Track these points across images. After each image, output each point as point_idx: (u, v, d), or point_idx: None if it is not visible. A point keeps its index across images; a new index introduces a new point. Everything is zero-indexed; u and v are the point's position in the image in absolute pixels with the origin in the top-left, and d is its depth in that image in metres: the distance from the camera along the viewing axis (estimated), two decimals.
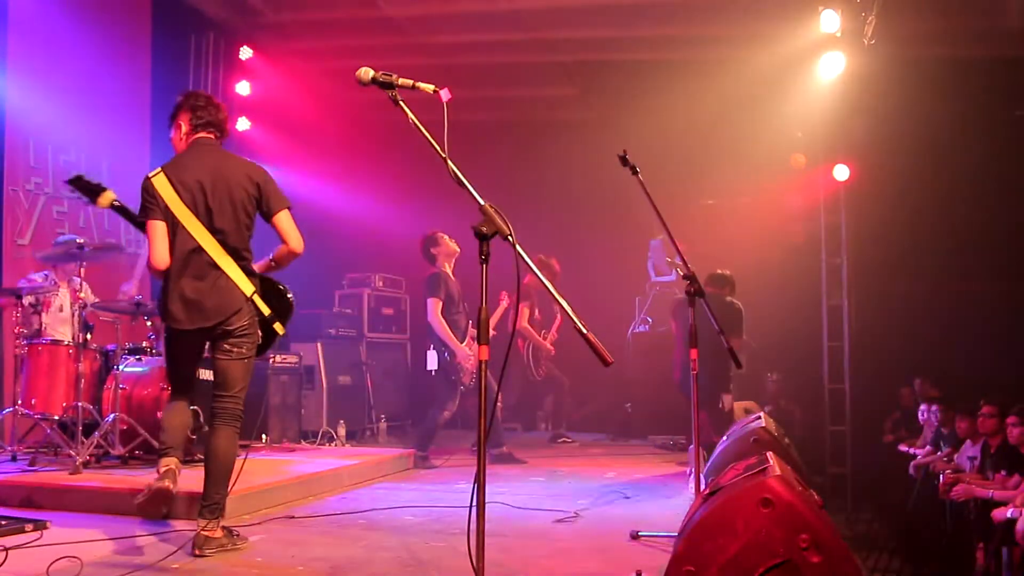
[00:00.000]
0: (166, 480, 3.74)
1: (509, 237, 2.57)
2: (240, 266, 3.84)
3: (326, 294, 9.26)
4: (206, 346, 3.94)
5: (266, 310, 3.87)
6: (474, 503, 2.48)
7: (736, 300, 6.90)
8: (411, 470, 6.55)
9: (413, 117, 2.70)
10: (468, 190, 2.64)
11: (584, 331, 2.60)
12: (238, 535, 3.85)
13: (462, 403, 6.83)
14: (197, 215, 3.77)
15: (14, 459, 5.43)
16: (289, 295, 4.10)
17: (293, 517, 4.63)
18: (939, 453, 7.57)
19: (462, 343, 6.67)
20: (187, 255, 3.76)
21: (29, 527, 3.79)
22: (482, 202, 2.60)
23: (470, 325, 6.84)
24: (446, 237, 6.84)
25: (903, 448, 8.43)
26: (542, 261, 7.76)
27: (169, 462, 3.80)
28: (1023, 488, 5.75)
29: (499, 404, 7.13)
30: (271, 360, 7.49)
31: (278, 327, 3.96)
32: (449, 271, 6.83)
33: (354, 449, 7.31)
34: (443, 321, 6.60)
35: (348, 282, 9.35)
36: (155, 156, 7.88)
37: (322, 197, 9.41)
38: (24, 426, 5.67)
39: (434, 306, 6.62)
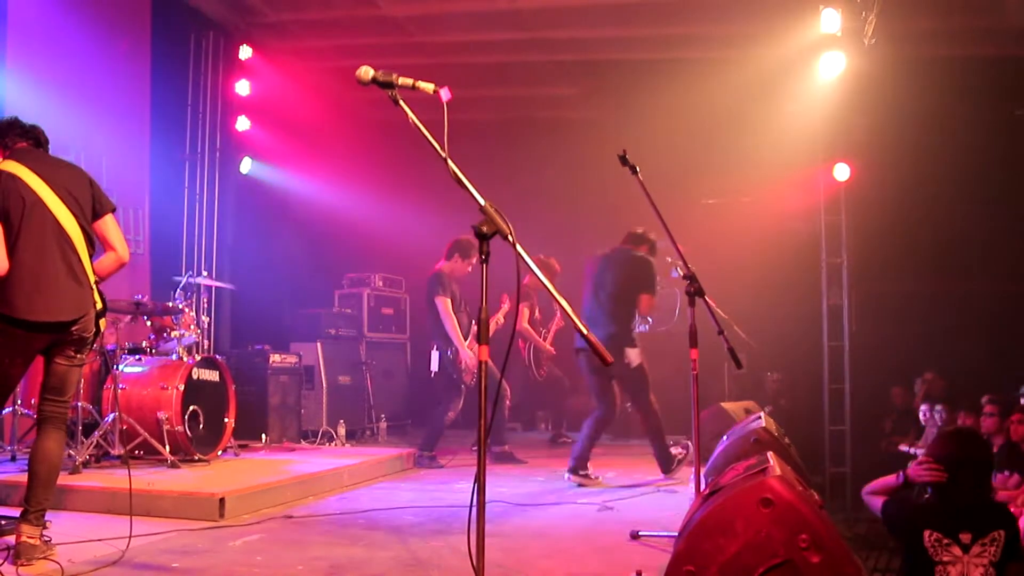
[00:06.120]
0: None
1: (509, 237, 2.56)
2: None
3: (326, 294, 9.25)
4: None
5: (99, 303, 3.70)
6: (474, 503, 2.48)
7: (650, 257, 6.38)
8: (411, 470, 6.55)
9: (413, 117, 2.69)
10: (468, 190, 2.62)
11: (584, 331, 2.59)
12: (48, 540, 3.60)
13: (468, 401, 6.84)
14: (67, 205, 3.61)
15: (14, 459, 5.44)
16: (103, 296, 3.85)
17: (292, 517, 4.63)
18: None
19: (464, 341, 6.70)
20: (53, 244, 3.57)
21: None
22: (482, 202, 2.59)
23: (472, 324, 6.86)
24: (473, 261, 6.63)
25: (903, 448, 8.42)
26: (542, 261, 7.75)
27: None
28: None
29: (508, 403, 7.14)
30: (271, 360, 7.50)
31: (102, 323, 3.77)
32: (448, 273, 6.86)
33: (354, 449, 7.31)
34: (454, 318, 6.64)
35: (348, 282, 9.33)
36: (155, 155, 7.89)
37: (322, 197, 9.40)
38: (24, 426, 5.66)
39: (444, 304, 6.65)
